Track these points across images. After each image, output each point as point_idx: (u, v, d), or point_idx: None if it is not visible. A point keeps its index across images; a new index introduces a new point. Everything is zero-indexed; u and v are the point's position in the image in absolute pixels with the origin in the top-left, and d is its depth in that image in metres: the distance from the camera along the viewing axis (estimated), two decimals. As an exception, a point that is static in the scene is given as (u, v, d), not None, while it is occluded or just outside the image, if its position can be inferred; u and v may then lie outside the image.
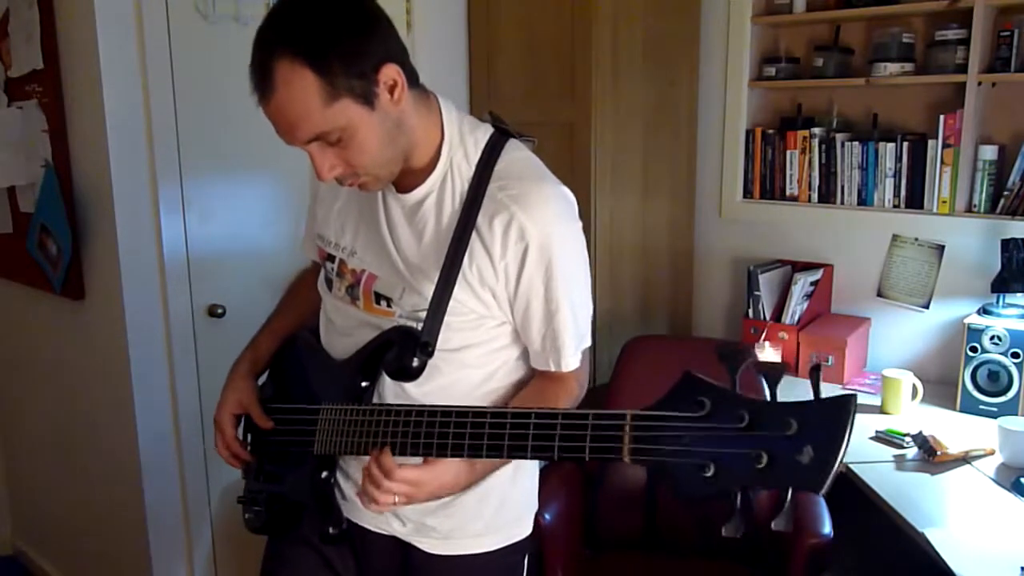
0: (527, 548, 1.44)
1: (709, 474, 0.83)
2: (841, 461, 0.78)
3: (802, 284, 2.65)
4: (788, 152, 2.75)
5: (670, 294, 2.94)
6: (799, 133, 2.71)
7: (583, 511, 2.24)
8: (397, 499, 1.13)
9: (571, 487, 2.19)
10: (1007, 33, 2.31)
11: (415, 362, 1.18)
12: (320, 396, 1.31)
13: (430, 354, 1.20)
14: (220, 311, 2.34)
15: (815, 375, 0.83)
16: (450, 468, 1.14)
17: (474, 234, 1.19)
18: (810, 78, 2.71)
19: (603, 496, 2.26)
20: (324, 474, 1.30)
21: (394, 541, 1.37)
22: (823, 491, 0.77)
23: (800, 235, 2.80)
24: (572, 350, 1.26)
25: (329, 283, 1.36)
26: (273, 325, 1.51)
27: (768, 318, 2.69)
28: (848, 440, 0.79)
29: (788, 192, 2.79)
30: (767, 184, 2.83)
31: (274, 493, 1.42)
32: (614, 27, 2.49)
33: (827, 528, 1.97)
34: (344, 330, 1.32)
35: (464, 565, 1.35)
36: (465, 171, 1.21)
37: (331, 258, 1.34)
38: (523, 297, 1.22)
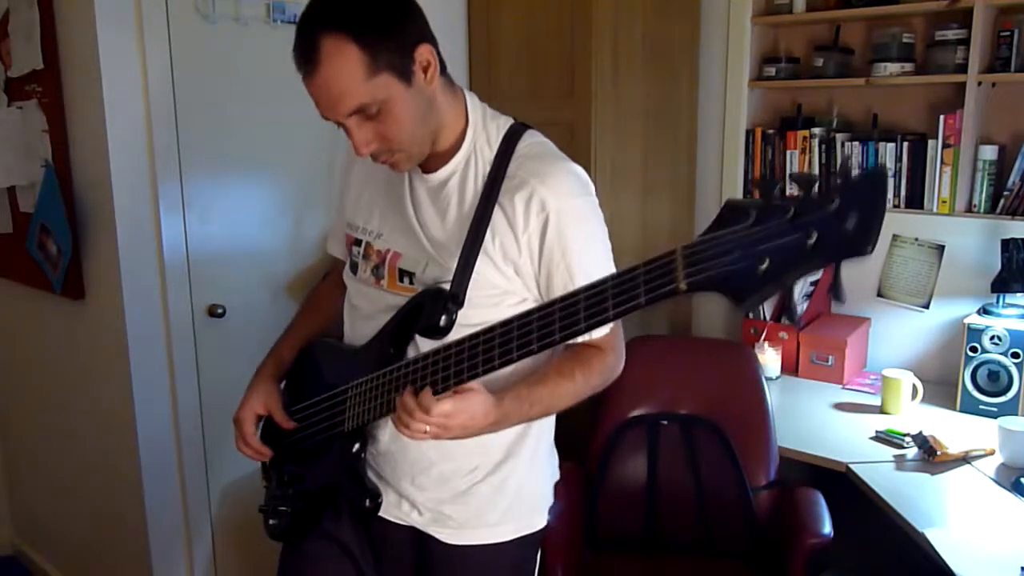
0: (540, 542, 1.46)
1: (764, 267, 0.84)
2: (882, 221, 0.80)
3: (802, 284, 2.65)
4: (788, 152, 2.75)
5: (670, 294, 2.93)
6: (799, 133, 2.71)
7: (583, 511, 2.24)
8: (428, 429, 1.15)
9: (571, 487, 2.19)
10: (1007, 33, 2.31)
11: (443, 319, 1.21)
12: (347, 380, 1.33)
13: (460, 303, 1.23)
14: (220, 311, 2.34)
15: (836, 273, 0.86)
16: (478, 400, 1.16)
17: (496, 210, 1.24)
18: (810, 78, 2.71)
19: (603, 496, 2.26)
20: (355, 448, 1.32)
21: (411, 531, 1.39)
22: (870, 250, 0.80)
23: (800, 235, 2.80)
24: None
25: (355, 267, 1.39)
26: (295, 332, 1.54)
27: (768, 318, 2.69)
28: (886, 203, 0.82)
29: (788, 192, 2.78)
30: (767, 184, 2.82)
31: (299, 491, 1.43)
32: (614, 27, 2.49)
33: (827, 528, 1.97)
34: (368, 314, 1.35)
35: (479, 555, 1.37)
36: (487, 154, 1.28)
37: (358, 242, 1.39)
38: (545, 267, 1.25)
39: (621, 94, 2.55)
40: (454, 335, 1.19)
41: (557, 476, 1.50)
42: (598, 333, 1.26)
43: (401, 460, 1.36)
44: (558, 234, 1.23)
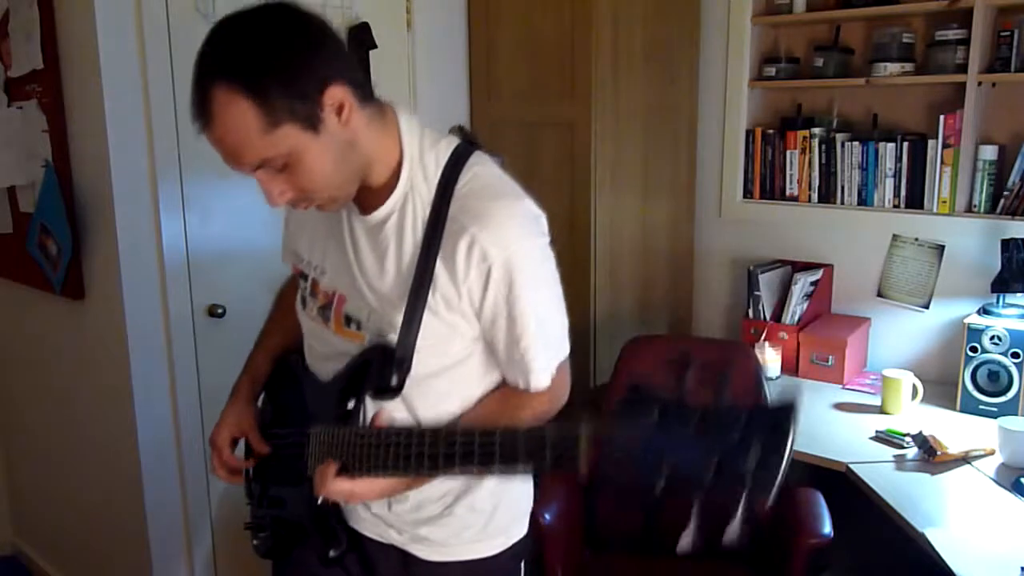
0: (525, 553, 1.44)
1: (658, 485, 0.83)
2: (786, 468, 0.78)
3: (802, 284, 2.65)
4: (788, 152, 2.75)
5: (670, 294, 2.94)
6: (799, 133, 2.71)
7: (583, 511, 2.24)
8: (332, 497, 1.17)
9: (571, 487, 2.19)
10: (1007, 33, 2.31)
11: (394, 379, 1.18)
12: (313, 418, 1.30)
13: (407, 370, 1.19)
14: (220, 311, 2.34)
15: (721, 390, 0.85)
16: (385, 482, 1.16)
17: (438, 259, 1.15)
18: (810, 78, 2.71)
19: (603, 496, 2.26)
20: (320, 500, 1.27)
21: (394, 548, 1.37)
22: (770, 499, 0.75)
23: (800, 235, 2.80)
24: (542, 367, 1.22)
25: (304, 302, 1.35)
26: (266, 343, 1.51)
27: (768, 318, 2.69)
28: (792, 446, 0.79)
29: (788, 192, 2.79)
30: (767, 184, 2.83)
31: (278, 517, 1.42)
32: (614, 27, 2.49)
33: (827, 528, 1.97)
34: (324, 355, 1.31)
35: (462, 571, 1.36)
36: (425, 193, 1.17)
37: (304, 276, 1.34)
38: (488, 318, 1.19)
39: (621, 94, 2.55)
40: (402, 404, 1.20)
41: (531, 485, 1.46)
42: (537, 386, 1.23)
43: None
44: (501, 285, 1.14)
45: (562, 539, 2.06)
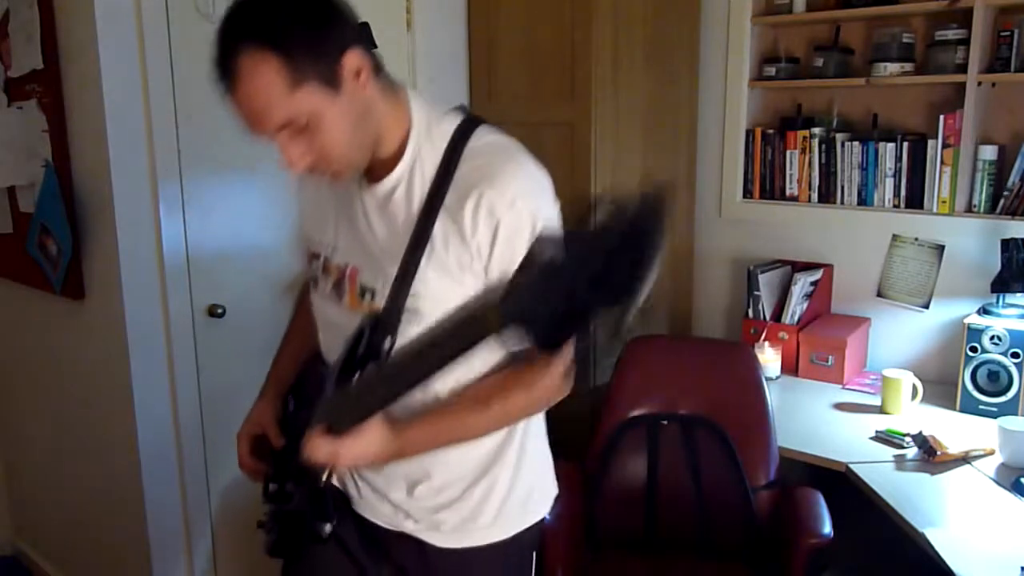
0: (537, 539, 1.46)
1: (563, 309, 0.82)
2: (657, 264, 0.79)
3: (802, 284, 2.65)
4: (788, 152, 2.75)
5: (670, 294, 2.94)
6: (799, 133, 2.71)
7: (583, 511, 2.24)
8: (324, 464, 1.17)
9: (571, 487, 2.19)
10: (1007, 33, 2.31)
11: (387, 342, 1.19)
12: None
13: (396, 322, 1.19)
14: (220, 311, 2.34)
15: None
16: (369, 438, 1.15)
17: (446, 216, 1.18)
18: (810, 78, 2.71)
19: (603, 496, 2.26)
20: (325, 476, 1.30)
21: (408, 537, 1.39)
22: (640, 300, 0.79)
23: (800, 235, 2.80)
24: None
25: (315, 282, 1.36)
26: (291, 347, 1.53)
27: (768, 318, 2.69)
28: (661, 232, 0.80)
29: (788, 192, 2.79)
30: (767, 184, 2.83)
31: (286, 511, 1.43)
32: (614, 27, 2.49)
33: (827, 528, 1.97)
34: (336, 334, 1.32)
35: (476, 557, 1.38)
36: (432, 159, 1.21)
37: (316, 256, 1.36)
38: (495, 274, 1.19)
39: (621, 94, 2.55)
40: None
41: (551, 468, 1.48)
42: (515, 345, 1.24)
43: (394, 472, 1.35)
44: (508, 242, 1.17)
45: (562, 539, 2.06)
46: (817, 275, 2.68)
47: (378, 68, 1.18)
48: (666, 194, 0.81)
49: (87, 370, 2.43)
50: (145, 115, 2.14)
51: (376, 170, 1.24)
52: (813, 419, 2.33)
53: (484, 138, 1.23)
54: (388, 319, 1.20)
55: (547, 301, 0.82)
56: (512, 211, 1.16)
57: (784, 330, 2.65)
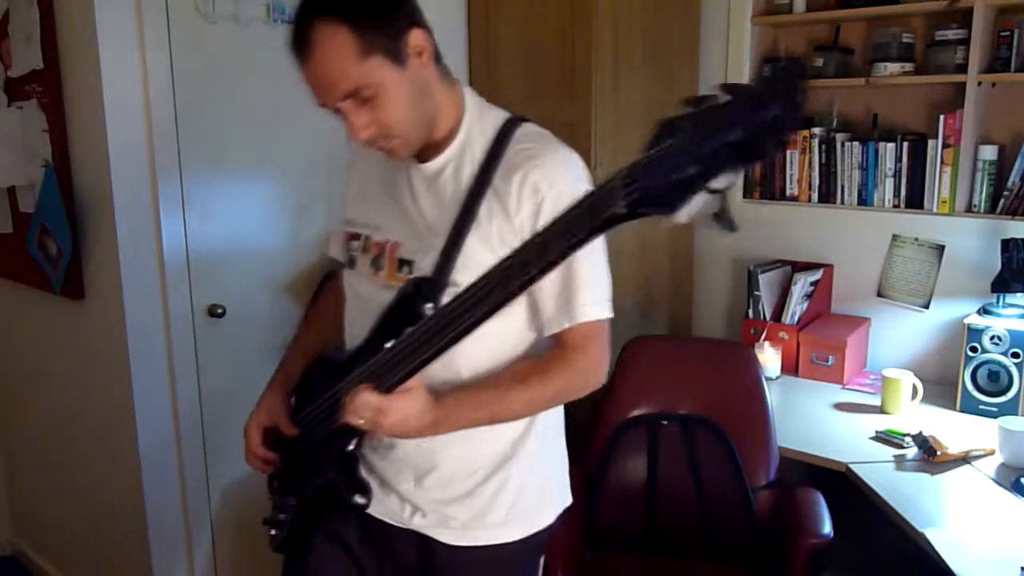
0: (544, 544, 1.46)
1: (693, 174, 0.82)
2: (799, 102, 0.79)
3: (802, 284, 2.65)
4: (788, 152, 2.75)
5: (670, 294, 2.94)
6: (799, 133, 2.71)
7: (583, 511, 2.24)
8: (362, 422, 1.16)
9: (571, 487, 2.18)
10: (1007, 33, 2.31)
11: (426, 307, 1.21)
12: (340, 381, 1.32)
13: (444, 286, 1.23)
14: (220, 311, 2.34)
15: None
16: (410, 400, 1.16)
17: (491, 193, 1.25)
18: (810, 78, 2.70)
19: (603, 496, 2.26)
20: (352, 445, 1.31)
21: (414, 535, 1.39)
22: (790, 128, 0.79)
23: (800, 235, 2.80)
24: (592, 299, 1.26)
25: (352, 262, 1.40)
26: (302, 342, 1.54)
27: (768, 318, 2.69)
28: (804, 88, 0.81)
29: (788, 192, 2.79)
30: (767, 184, 2.83)
31: (299, 498, 1.43)
32: (614, 27, 2.49)
33: (827, 528, 1.97)
34: (365, 308, 1.34)
35: (483, 557, 1.37)
36: (482, 143, 1.29)
37: (356, 236, 1.40)
38: None
39: (621, 94, 2.55)
40: None
41: (565, 473, 1.48)
42: (583, 317, 1.25)
43: (403, 462, 1.36)
44: (551, 219, 1.21)
45: (562, 539, 2.06)
46: (817, 275, 2.68)
47: (437, 55, 1.27)
48: (802, 63, 0.84)
49: (87, 370, 2.43)
50: (145, 115, 2.14)
51: (427, 151, 1.30)
52: (813, 419, 2.33)
53: (530, 129, 1.32)
54: (433, 286, 1.23)
55: (675, 168, 0.83)
56: (554, 190, 1.23)
57: (784, 330, 2.65)
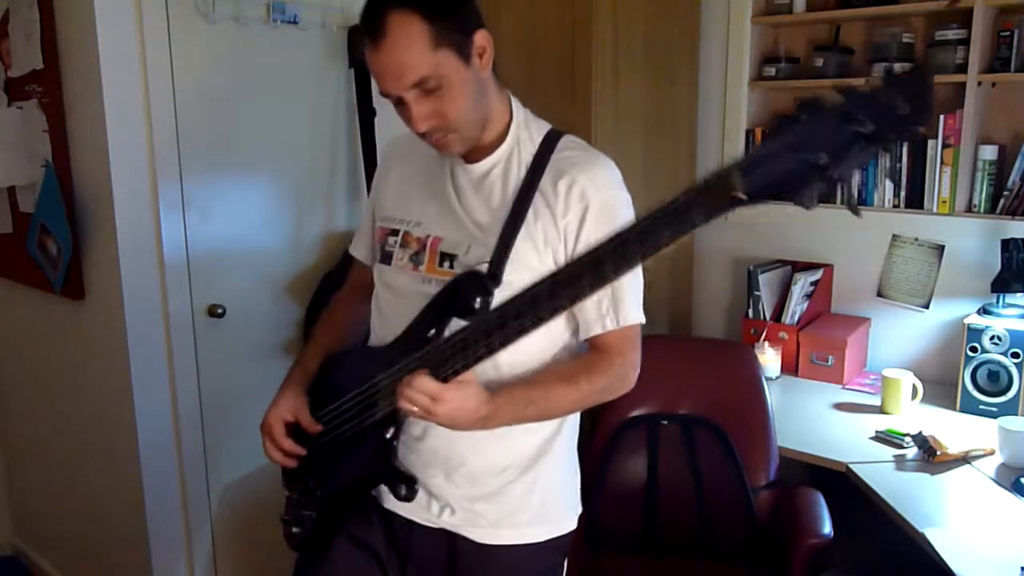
0: (567, 547, 1.47)
1: (823, 162, 0.86)
2: (931, 99, 0.86)
3: (802, 284, 2.65)
4: (788, 152, 2.75)
5: (670, 294, 2.94)
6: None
7: (583, 511, 2.23)
8: (415, 408, 1.17)
9: (571, 487, 2.19)
10: (1007, 33, 2.31)
11: (479, 300, 1.24)
12: (377, 375, 1.33)
13: (498, 282, 1.26)
14: (220, 311, 2.34)
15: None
16: (468, 392, 1.19)
17: (540, 197, 1.30)
18: (810, 78, 2.71)
19: (603, 496, 2.26)
20: (390, 433, 1.33)
21: (440, 534, 1.40)
22: (925, 121, 0.86)
23: (800, 235, 2.80)
24: (632, 301, 1.32)
25: (388, 257, 1.41)
26: (319, 341, 1.55)
27: (768, 318, 2.69)
28: (933, 89, 0.87)
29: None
30: (767, 184, 2.82)
31: (326, 494, 1.44)
32: (614, 27, 2.49)
33: (827, 528, 1.97)
34: (400, 302, 1.36)
35: (510, 556, 1.39)
36: (529, 148, 1.34)
37: (395, 232, 1.41)
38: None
39: (621, 94, 2.54)
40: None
41: (579, 479, 1.52)
42: (626, 321, 1.30)
43: (432, 457, 1.36)
44: (595, 223, 1.27)
45: (562, 539, 2.05)
46: (817, 275, 2.68)
47: (493, 61, 1.30)
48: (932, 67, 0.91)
49: (87, 370, 2.43)
50: (145, 115, 2.13)
51: (475, 152, 1.34)
52: (813, 419, 2.33)
53: (572, 139, 1.37)
54: (489, 280, 1.26)
55: (801, 156, 0.87)
56: (600, 196, 1.29)
57: (784, 330, 2.65)
